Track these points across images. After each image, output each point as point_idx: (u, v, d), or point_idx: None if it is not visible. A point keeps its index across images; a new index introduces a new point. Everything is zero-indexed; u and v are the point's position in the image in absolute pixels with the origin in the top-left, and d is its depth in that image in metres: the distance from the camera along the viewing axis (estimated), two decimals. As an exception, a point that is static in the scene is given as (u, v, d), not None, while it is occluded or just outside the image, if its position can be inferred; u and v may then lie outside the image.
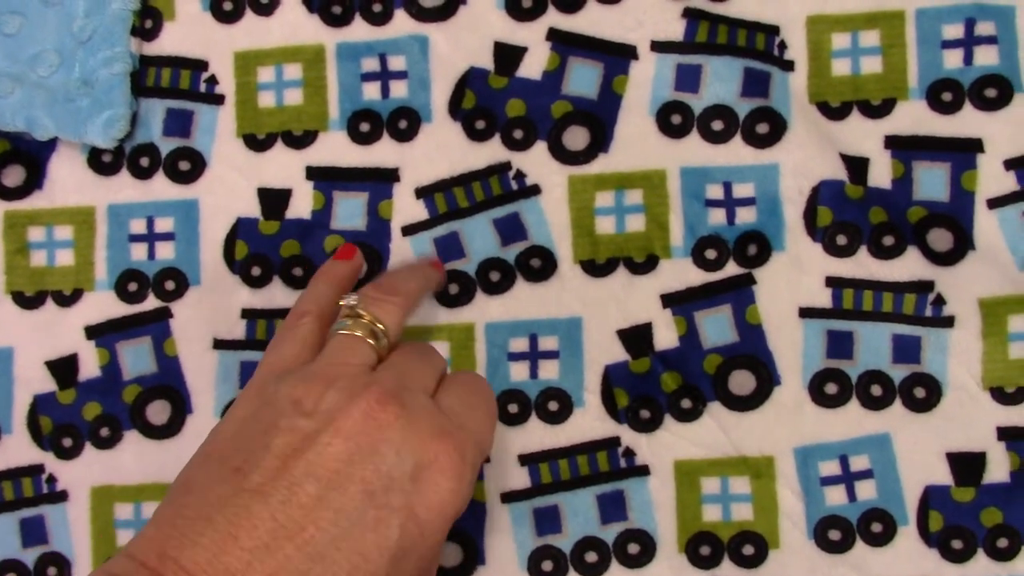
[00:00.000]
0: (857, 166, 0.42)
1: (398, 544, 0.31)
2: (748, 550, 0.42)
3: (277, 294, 0.44)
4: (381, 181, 0.44)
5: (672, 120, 0.43)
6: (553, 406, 0.43)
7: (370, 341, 0.36)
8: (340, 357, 0.35)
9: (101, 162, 0.45)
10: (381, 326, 0.36)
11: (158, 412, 0.44)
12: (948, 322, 0.42)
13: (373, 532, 0.31)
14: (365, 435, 0.32)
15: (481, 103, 0.44)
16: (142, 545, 0.30)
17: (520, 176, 0.43)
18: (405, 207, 0.44)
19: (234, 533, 0.30)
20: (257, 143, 0.45)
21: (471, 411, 0.35)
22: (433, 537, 0.32)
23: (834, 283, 0.42)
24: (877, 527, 0.41)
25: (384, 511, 0.31)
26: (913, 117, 0.42)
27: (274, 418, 0.32)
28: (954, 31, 0.43)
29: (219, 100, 0.45)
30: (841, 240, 0.42)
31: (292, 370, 0.35)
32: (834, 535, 0.42)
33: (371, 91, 0.44)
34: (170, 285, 0.44)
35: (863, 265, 0.42)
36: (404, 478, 0.32)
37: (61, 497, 0.44)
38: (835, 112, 0.43)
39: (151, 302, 0.44)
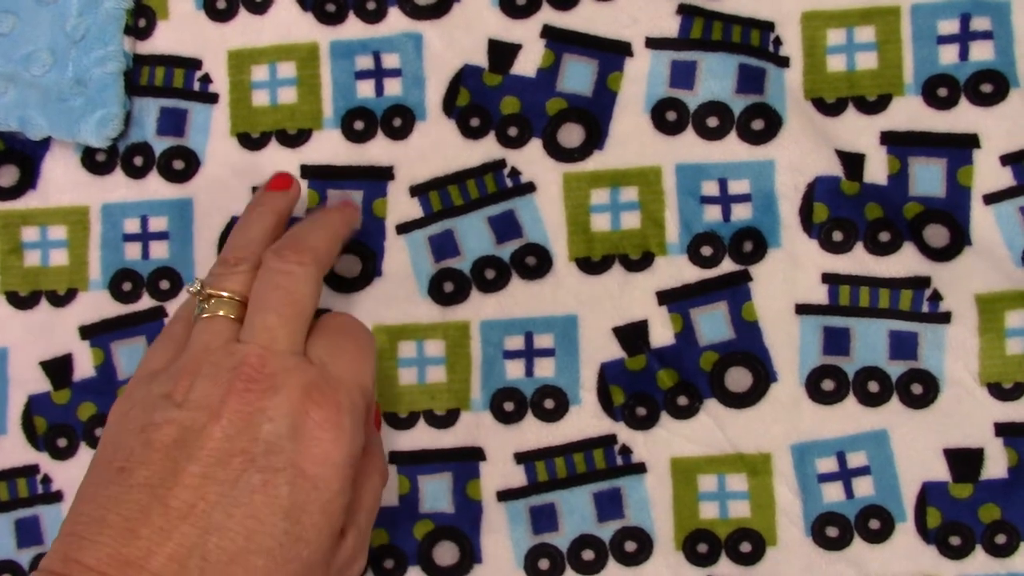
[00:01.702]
0: (853, 162, 0.42)
1: (290, 500, 0.32)
2: (745, 547, 0.42)
3: (272, 293, 0.44)
4: (375, 179, 0.44)
5: (667, 117, 0.43)
6: (549, 404, 0.43)
7: (230, 316, 0.36)
8: (201, 344, 0.35)
9: (95, 161, 0.45)
10: (237, 297, 0.36)
11: (153, 412, 0.44)
12: (945, 318, 0.42)
13: (261, 494, 0.32)
14: (237, 412, 0.33)
15: (475, 101, 0.44)
16: (49, 556, 0.32)
17: (515, 174, 0.43)
18: (400, 205, 0.44)
19: (130, 526, 0.31)
20: (251, 142, 0.44)
21: (340, 356, 0.35)
22: (329, 488, 0.33)
23: (830, 279, 0.42)
24: (875, 524, 0.41)
25: (268, 473, 0.32)
26: (909, 113, 0.42)
27: (149, 415, 0.33)
28: (950, 26, 0.42)
29: (213, 99, 0.45)
30: (837, 236, 0.42)
31: (160, 370, 0.35)
32: (832, 532, 0.41)
33: (365, 89, 0.44)
34: (165, 284, 0.44)
35: (859, 261, 0.42)
36: (283, 439, 0.33)
37: (56, 498, 0.44)
38: (830, 108, 0.43)
39: (146, 301, 0.44)
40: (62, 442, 0.44)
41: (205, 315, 0.36)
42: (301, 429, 0.33)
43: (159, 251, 0.44)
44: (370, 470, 0.37)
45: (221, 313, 0.36)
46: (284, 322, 0.35)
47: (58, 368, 0.44)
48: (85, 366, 0.44)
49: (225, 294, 0.36)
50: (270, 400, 0.33)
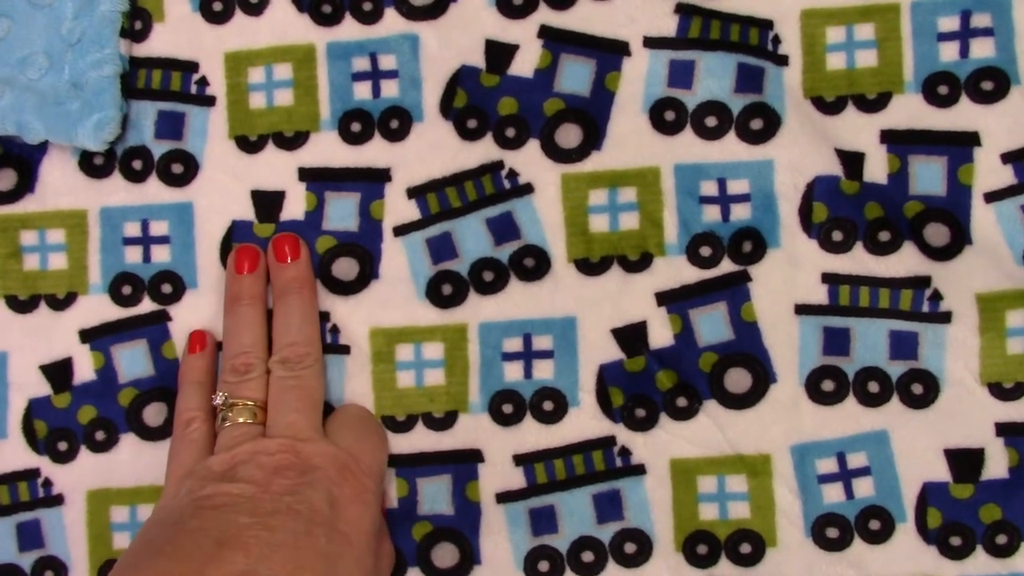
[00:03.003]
0: (852, 161, 0.42)
1: (327, 549, 0.36)
2: (745, 549, 0.42)
3: (271, 296, 0.44)
4: (373, 181, 0.44)
5: (665, 117, 0.43)
6: (548, 406, 0.43)
7: (249, 421, 0.40)
8: (232, 441, 0.40)
9: (92, 165, 0.45)
10: (251, 402, 0.41)
11: (155, 414, 0.44)
12: (945, 318, 0.41)
13: (304, 538, 0.36)
14: (281, 486, 0.37)
15: (473, 102, 0.43)
16: None
17: (513, 175, 0.43)
18: (397, 207, 0.44)
19: (183, 553, 0.34)
20: (249, 144, 0.44)
21: (363, 443, 0.40)
22: (360, 546, 0.37)
23: (830, 279, 0.42)
24: (875, 524, 0.41)
25: (311, 525, 0.36)
26: (909, 111, 0.42)
27: (199, 489, 0.38)
28: (950, 23, 0.42)
29: (210, 101, 0.44)
30: (837, 236, 0.42)
31: (195, 470, 0.39)
32: (832, 533, 0.41)
33: (362, 91, 0.44)
34: (167, 288, 0.44)
35: (859, 261, 0.42)
36: (323, 504, 0.37)
37: (57, 501, 0.44)
38: (830, 107, 0.42)
39: (147, 305, 0.44)
40: (63, 446, 0.44)
41: (228, 423, 0.40)
42: (336, 499, 0.38)
43: (161, 255, 0.44)
44: (382, 552, 0.40)
45: (242, 420, 0.40)
46: (304, 416, 0.40)
47: (58, 372, 0.44)
48: (85, 370, 0.44)
49: (250, 402, 0.41)
50: (310, 476, 0.38)
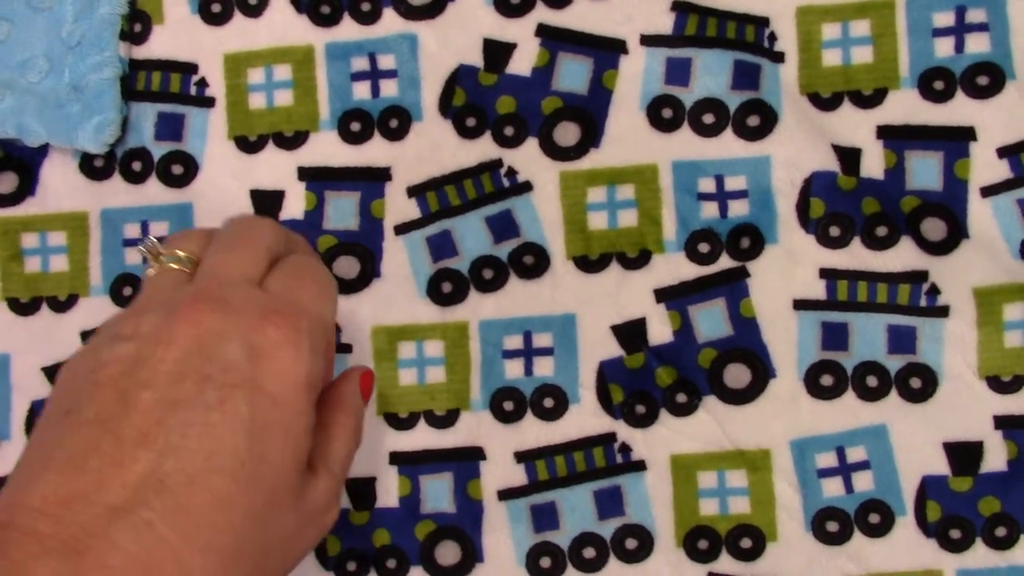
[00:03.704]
0: (849, 157, 0.42)
1: (250, 417, 0.30)
2: (746, 543, 0.42)
3: (271, 296, 0.44)
4: (373, 180, 0.44)
5: (663, 114, 0.43)
6: (548, 403, 0.43)
7: (175, 266, 0.34)
8: (147, 292, 0.34)
9: (93, 167, 0.45)
10: (183, 253, 0.34)
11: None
12: (943, 312, 0.42)
13: (219, 411, 0.30)
14: (189, 337, 0.31)
15: (471, 101, 0.44)
16: None
17: (511, 173, 0.43)
18: (397, 206, 0.44)
19: (77, 463, 0.28)
20: (249, 145, 0.45)
21: (300, 290, 0.34)
22: (289, 406, 0.31)
23: (828, 275, 0.42)
24: (875, 518, 0.41)
25: (226, 389, 0.30)
26: (905, 106, 0.42)
27: (97, 357, 0.31)
28: (945, 19, 0.42)
29: (210, 103, 0.45)
30: (834, 231, 0.42)
31: (103, 325, 0.33)
32: (832, 527, 0.42)
33: (361, 91, 0.44)
34: (165, 288, 0.44)
35: (857, 256, 0.42)
36: (240, 359, 0.31)
37: (60, 502, 0.44)
38: (826, 103, 0.43)
39: (146, 306, 0.44)
40: (65, 447, 0.44)
41: (152, 269, 0.35)
42: (258, 348, 0.31)
43: (159, 255, 0.44)
44: (342, 419, 0.35)
45: (174, 266, 0.34)
46: (237, 256, 0.34)
47: (60, 373, 0.44)
48: (87, 371, 0.44)
49: (181, 253, 0.34)
50: (223, 319, 0.31)
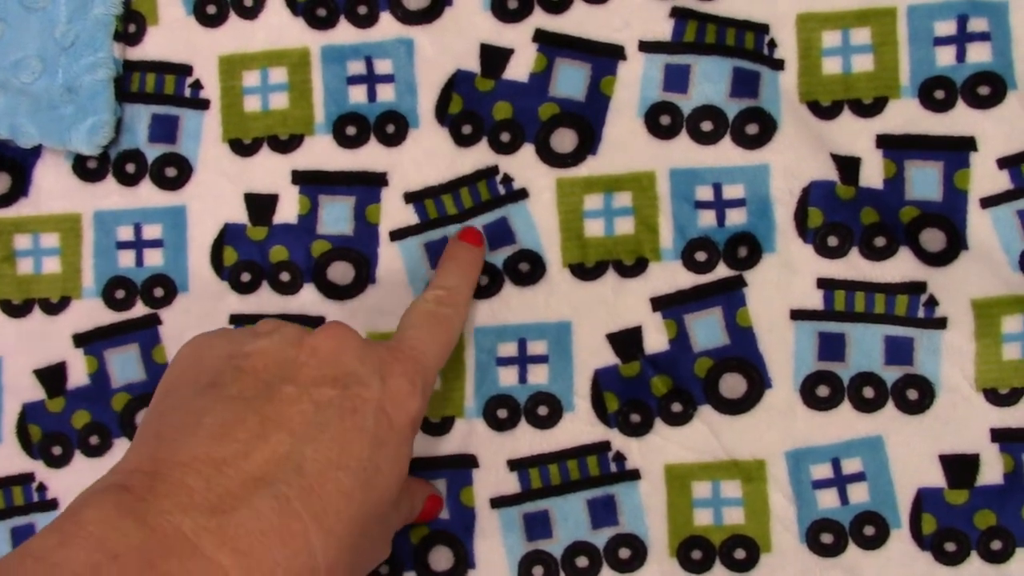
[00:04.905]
0: (848, 166, 0.42)
1: (374, 432, 0.33)
2: (740, 554, 0.42)
3: (265, 300, 0.44)
4: (369, 185, 0.44)
5: (661, 121, 0.43)
6: (543, 411, 0.42)
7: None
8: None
9: (86, 169, 0.45)
10: None
11: (149, 417, 0.44)
12: (941, 323, 0.41)
13: (351, 419, 0.32)
14: (331, 350, 0.34)
15: (468, 107, 0.43)
16: (129, 458, 0.31)
17: (507, 180, 0.43)
18: (393, 211, 0.43)
19: (227, 430, 0.31)
20: (243, 148, 0.44)
21: (421, 331, 0.37)
22: (402, 432, 0.34)
23: (825, 285, 0.42)
24: (870, 530, 0.41)
25: (358, 401, 0.33)
26: (905, 116, 0.42)
27: (235, 346, 0.34)
28: (946, 28, 0.42)
29: (204, 105, 0.44)
30: (832, 241, 0.42)
31: (234, 330, 0.36)
32: (826, 538, 0.41)
33: (357, 95, 0.44)
34: (159, 292, 0.44)
35: (855, 266, 0.42)
36: (371, 376, 0.34)
37: (52, 506, 0.44)
38: (826, 111, 0.42)
39: (139, 309, 0.44)
40: (57, 450, 0.44)
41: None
42: (386, 374, 0.34)
43: (153, 258, 0.44)
44: (415, 487, 0.40)
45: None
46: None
47: (52, 376, 0.44)
48: (79, 374, 0.44)
49: None
50: (361, 343, 0.34)
